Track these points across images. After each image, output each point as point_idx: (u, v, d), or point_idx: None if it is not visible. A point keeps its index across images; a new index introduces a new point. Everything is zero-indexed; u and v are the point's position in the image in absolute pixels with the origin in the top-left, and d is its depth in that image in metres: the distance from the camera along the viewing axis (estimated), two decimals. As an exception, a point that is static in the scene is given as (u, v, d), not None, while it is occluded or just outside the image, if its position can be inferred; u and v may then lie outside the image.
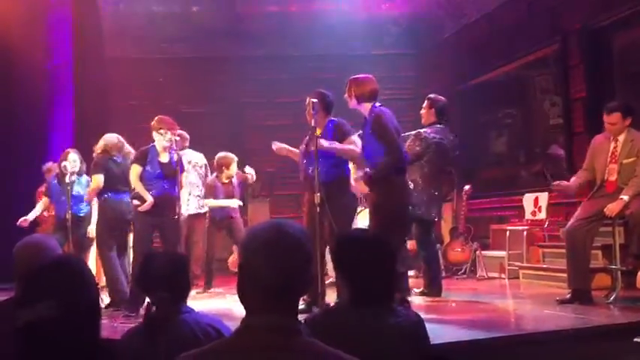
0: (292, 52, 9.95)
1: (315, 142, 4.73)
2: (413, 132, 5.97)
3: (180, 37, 9.98)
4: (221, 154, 7.16)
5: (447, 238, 7.86)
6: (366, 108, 4.74)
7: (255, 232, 1.56)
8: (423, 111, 6.11)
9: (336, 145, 4.90)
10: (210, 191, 7.00)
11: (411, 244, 6.26)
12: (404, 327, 2.23)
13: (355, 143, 5.00)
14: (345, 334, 2.10)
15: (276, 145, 5.34)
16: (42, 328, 1.56)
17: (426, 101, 6.15)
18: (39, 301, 1.56)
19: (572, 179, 5.52)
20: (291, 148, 5.29)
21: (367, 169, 4.76)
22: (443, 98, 6.16)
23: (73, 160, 6.02)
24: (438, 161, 5.86)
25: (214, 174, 7.17)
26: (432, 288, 5.83)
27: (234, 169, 7.12)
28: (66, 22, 8.86)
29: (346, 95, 4.83)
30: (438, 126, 5.97)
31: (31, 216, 6.44)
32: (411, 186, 5.66)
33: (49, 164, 7.03)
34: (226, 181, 7.08)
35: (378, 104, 4.77)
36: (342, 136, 4.97)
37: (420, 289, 5.97)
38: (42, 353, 1.58)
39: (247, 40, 9.94)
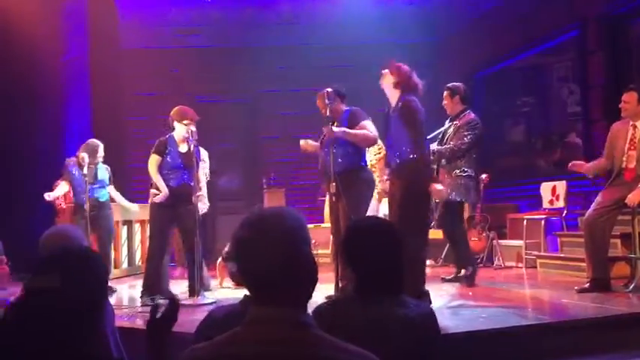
0: (307, 42, 9.92)
1: (329, 132, 4.73)
2: (454, 122, 5.98)
3: (196, 27, 10.00)
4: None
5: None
6: (397, 94, 4.61)
7: (242, 223, 1.54)
8: (445, 102, 6.09)
9: (348, 130, 4.89)
10: None
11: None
12: (412, 318, 2.13)
13: (367, 127, 4.99)
14: (351, 324, 2.07)
15: (302, 142, 5.34)
16: (43, 297, 1.64)
17: (445, 92, 6.13)
18: (46, 273, 1.66)
19: (591, 163, 5.53)
20: (315, 143, 5.28)
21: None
22: (461, 84, 6.20)
23: (100, 150, 6.22)
24: (480, 146, 6.02)
25: None
26: (470, 276, 5.85)
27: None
28: (81, 14, 8.90)
29: (385, 78, 4.66)
30: (468, 111, 6.04)
31: (53, 195, 6.40)
32: (462, 173, 5.81)
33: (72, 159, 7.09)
34: None
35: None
36: (354, 122, 4.99)
37: (452, 276, 6.10)
38: (36, 326, 1.62)
39: (262, 30, 9.93)
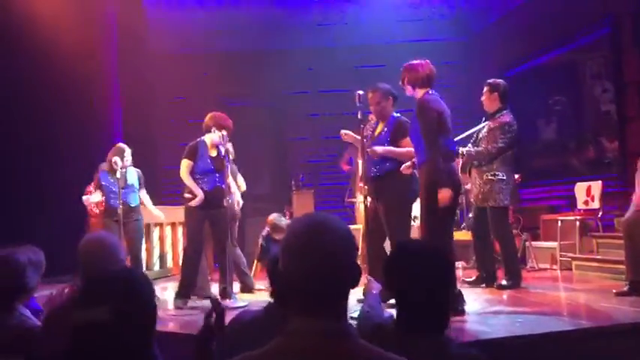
0: (335, 43, 9.91)
1: (372, 152, 4.70)
2: (489, 123, 5.85)
3: (224, 30, 10.04)
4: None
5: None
6: (420, 94, 4.51)
7: (293, 233, 1.50)
8: (483, 97, 5.96)
9: (391, 149, 4.81)
10: None
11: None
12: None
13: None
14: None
15: (342, 132, 5.22)
16: (93, 331, 1.61)
17: (485, 87, 5.98)
18: (95, 306, 1.61)
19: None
20: (356, 136, 5.10)
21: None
22: (502, 81, 6.01)
23: (128, 154, 6.19)
24: (517, 146, 5.88)
25: None
26: (515, 278, 5.73)
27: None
28: (111, 19, 8.99)
29: (401, 83, 4.63)
30: (506, 111, 5.87)
31: (90, 200, 6.47)
32: (494, 177, 5.69)
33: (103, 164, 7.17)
34: None
35: (431, 91, 4.51)
36: (400, 133, 4.87)
37: (473, 279, 5.97)
38: (89, 356, 1.62)
39: (290, 32, 9.93)
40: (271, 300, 2.38)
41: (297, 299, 1.47)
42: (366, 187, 4.73)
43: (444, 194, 4.25)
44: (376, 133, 5.03)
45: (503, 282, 5.70)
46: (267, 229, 6.76)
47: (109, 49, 9.00)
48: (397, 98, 5.11)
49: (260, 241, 6.79)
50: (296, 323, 1.46)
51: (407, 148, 4.77)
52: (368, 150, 4.80)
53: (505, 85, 5.96)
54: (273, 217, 6.63)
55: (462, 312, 4.31)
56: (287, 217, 7.10)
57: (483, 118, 6.04)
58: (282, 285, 1.50)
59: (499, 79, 6.08)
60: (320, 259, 1.43)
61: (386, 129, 4.98)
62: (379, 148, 4.74)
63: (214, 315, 2.37)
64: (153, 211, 6.68)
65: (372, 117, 5.21)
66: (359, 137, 4.99)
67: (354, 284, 1.50)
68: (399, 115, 5.04)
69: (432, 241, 4.00)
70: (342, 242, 1.47)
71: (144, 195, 6.48)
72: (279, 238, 6.52)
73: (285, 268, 1.48)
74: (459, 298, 4.32)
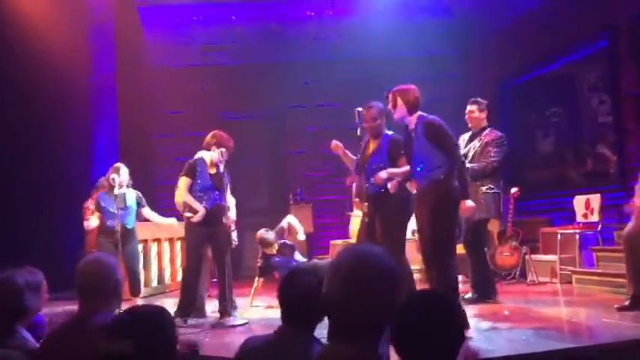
0: (333, 57, 9.90)
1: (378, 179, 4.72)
2: (479, 139, 5.94)
3: (221, 45, 10.06)
4: None
5: (495, 242, 7.68)
6: (413, 117, 4.54)
7: (338, 264, 1.54)
8: (474, 114, 6.06)
9: (394, 171, 4.79)
10: None
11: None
12: None
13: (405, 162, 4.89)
14: None
15: (334, 143, 5.17)
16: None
17: (473, 105, 6.11)
18: (120, 338, 1.70)
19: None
20: (347, 151, 5.14)
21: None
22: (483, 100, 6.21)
23: (124, 173, 6.10)
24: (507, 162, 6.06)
25: None
26: (490, 291, 5.82)
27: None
28: (108, 34, 8.99)
29: (390, 106, 4.62)
30: (490, 127, 6.05)
31: (90, 226, 6.48)
32: (489, 190, 5.80)
33: (102, 179, 7.13)
34: None
35: (424, 113, 4.57)
36: (395, 153, 4.85)
37: (471, 295, 5.90)
38: None
39: (288, 45, 9.94)
40: (282, 322, 2.35)
41: (337, 326, 1.54)
42: (365, 203, 4.70)
43: (467, 205, 4.37)
44: (370, 151, 4.96)
45: (469, 295, 5.86)
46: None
47: (106, 63, 8.99)
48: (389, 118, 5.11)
49: (258, 263, 6.69)
50: (333, 348, 1.53)
51: (404, 167, 4.78)
52: (372, 179, 4.77)
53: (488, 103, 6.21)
54: (261, 232, 6.58)
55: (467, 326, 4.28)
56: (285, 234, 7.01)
57: (469, 134, 6.11)
58: (325, 310, 1.56)
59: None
60: (363, 295, 1.49)
61: (381, 148, 4.92)
62: (383, 174, 4.73)
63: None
64: (164, 222, 6.65)
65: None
66: (348, 153, 5.06)
67: (392, 314, 1.56)
68: (392, 132, 5.00)
69: (441, 287, 4.16)
70: (383, 282, 1.52)
71: (148, 212, 6.41)
72: (270, 252, 6.52)
73: (328, 299, 1.53)
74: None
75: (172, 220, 6.78)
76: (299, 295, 2.25)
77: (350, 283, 1.49)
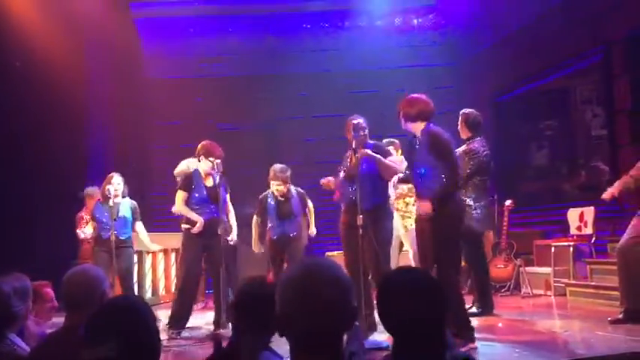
0: (329, 69, 9.96)
1: (362, 153, 4.73)
2: (461, 149, 5.92)
3: (218, 56, 10.10)
4: None
5: (489, 255, 7.69)
6: (418, 127, 4.55)
7: (287, 280, 1.57)
8: (459, 127, 6.11)
9: (381, 158, 4.83)
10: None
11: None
12: None
13: (396, 163, 4.95)
14: None
15: (323, 181, 5.28)
16: None
17: (460, 117, 6.14)
18: (101, 343, 1.66)
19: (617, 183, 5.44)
20: (333, 179, 5.23)
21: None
22: (473, 111, 6.16)
23: (117, 183, 6.06)
24: (487, 173, 5.93)
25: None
26: (487, 305, 5.81)
27: None
28: (105, 46, 9.02)
29: (403, 117, 4.61)
30: (477, 139, 5.98)
31: (85, 233, 6.55)
32: (471, 202, 5.72)
33: (90, 189, 7.12)
34: None
35: (432, 124, 4.57)
36: (383, 155, 4.92)
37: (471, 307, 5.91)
38: None
39: (283, 57, 9.98)
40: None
41: (299, 340, 1.55)
42: (361, 216, 4.69)
43: (422, 204, 4.41)
44: (355, 161, 4.93)
45: (474, 309, 5.79)
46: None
47: (103, 74, 9.01)
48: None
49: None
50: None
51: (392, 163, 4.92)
52: (359, 151, 4.79)
53: (476, 115, 6.10)
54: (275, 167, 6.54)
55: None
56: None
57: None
58: (281, 327, 1.57)
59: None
60: (316, 305, 1.51)
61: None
62: (369, 151, 4.78)
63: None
64: (149, 246, 6.58)
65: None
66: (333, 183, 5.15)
67: (350, 322, 1.59)
68: (373, 141, 5.06)
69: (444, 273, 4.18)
70: (335, 288, 1.54)
71: (140, 228, 6.33)
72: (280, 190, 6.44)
73: (281, 314, 1.55)
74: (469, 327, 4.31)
75: (156, 247, 6.75)
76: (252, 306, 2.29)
77: (301, 295, 1.51)
